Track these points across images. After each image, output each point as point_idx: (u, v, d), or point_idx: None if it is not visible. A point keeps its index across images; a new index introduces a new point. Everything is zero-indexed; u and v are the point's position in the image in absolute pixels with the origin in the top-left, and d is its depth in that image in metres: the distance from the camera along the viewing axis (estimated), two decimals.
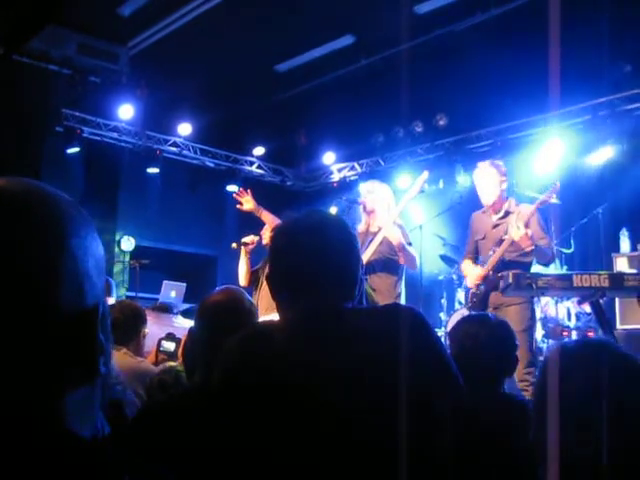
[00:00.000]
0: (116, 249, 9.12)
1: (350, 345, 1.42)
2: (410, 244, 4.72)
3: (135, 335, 3.27)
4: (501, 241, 4.61)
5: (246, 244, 5.76)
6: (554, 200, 4.67)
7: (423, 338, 1.45)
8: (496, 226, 4.76)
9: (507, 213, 4.73)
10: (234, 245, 5.83)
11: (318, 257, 1.50)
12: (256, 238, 5.80)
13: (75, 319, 0.68)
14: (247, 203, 5.28)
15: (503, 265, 4.58)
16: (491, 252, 4.68)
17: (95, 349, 0.70)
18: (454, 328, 2.34)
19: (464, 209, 8.40)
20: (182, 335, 3.45)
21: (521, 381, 4.23)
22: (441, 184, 8.85)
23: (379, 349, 1.40)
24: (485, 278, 4.68)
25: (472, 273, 4.81)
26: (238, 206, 5.36)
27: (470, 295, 4.88)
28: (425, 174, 4.89)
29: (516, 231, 4.39)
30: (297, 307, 1.52)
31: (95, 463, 0.64)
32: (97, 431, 0.72)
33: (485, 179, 4.83)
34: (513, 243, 4.50)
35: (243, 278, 5.76)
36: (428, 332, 1.48)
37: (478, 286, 4.73)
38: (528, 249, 4.42)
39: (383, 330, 1.43)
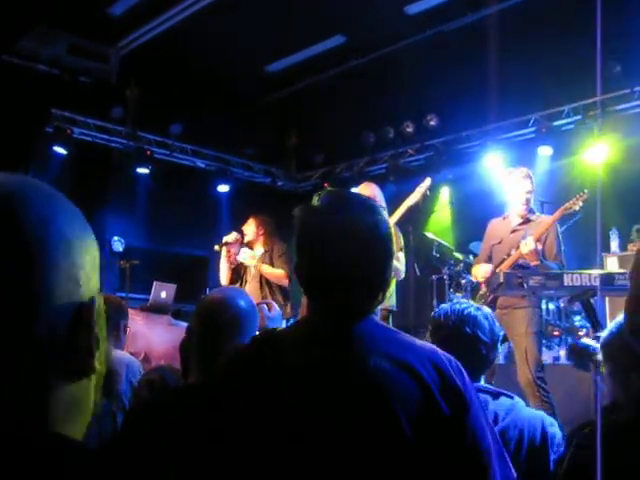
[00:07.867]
0: (106, 250, 9.07)
1: (357, 366, 1.38)
2: (401, 249, 4.67)
3: (116, 328, 3.32)
4: (517, 247, 4.51)
5: (228, 243, 5.74)
6: (577, 208, 4.49)
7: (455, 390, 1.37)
8: (514, 231, 4.66)
9: (528, 220, 4.65)
10: (217, 247, 5.79)
11: (349, 259, 1.41)
12: (239, 236, 5.79)
13: (71, 310, 0.68)
14: None
15: (517, 268, 4.50)
16: (505, 256, 4.60)
17: (91, 343, 0.69)
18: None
19: (456, 209, 8.45)
20: (174, 338, 3.48)
21: (533, 384, 4.19)
22: (445, 193, 8.81)
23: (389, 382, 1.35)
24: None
25: (482, 269, 4.70)
26: None
27: (478, 297, 4.74)
28: (427, 181, 4.76)
29: (524, 246, 4.35)
30: (317, 307, 1.49)
31: (86, 465, 0.62)
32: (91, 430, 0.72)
33: (518, 186, 4.66)
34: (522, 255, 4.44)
35: (224, 277, 5.74)
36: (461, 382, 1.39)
37: (488, 283, 4.63)
38: (533, 264, 4.36)
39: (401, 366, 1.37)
